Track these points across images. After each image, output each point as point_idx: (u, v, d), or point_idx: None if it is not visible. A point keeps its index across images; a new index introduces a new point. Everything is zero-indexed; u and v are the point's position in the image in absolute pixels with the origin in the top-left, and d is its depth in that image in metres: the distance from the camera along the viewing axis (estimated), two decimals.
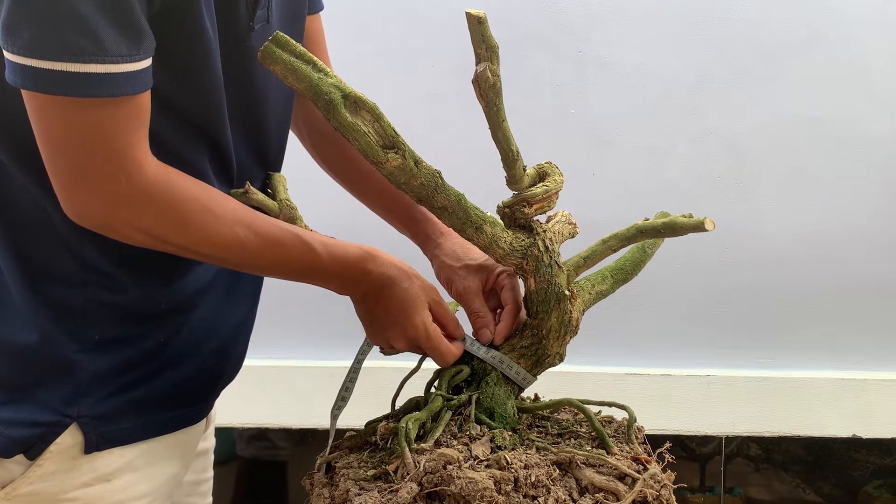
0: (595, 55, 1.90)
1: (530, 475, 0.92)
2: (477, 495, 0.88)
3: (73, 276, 0.99)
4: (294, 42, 0.87)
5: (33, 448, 0.98)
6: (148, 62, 0.87)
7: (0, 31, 0.82)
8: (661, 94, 1.92)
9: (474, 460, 0.93)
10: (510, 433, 1.01)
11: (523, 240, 1.04)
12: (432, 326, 1.04)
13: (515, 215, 1.04)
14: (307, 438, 2.00)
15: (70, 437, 0.99)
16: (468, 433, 0.99)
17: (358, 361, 1.11)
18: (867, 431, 2.00)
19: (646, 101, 1.92)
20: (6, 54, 0.83)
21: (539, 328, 1.05)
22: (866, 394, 2.00)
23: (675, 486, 0.97)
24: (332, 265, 1.01)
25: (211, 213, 0.93)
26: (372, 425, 1.06)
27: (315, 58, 0.89)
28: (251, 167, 1.10)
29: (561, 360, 1.08)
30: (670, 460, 1.01)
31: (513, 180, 1.01)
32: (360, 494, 0.92)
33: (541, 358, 1.07)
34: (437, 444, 0.97)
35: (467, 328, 1.10)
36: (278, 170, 1.16)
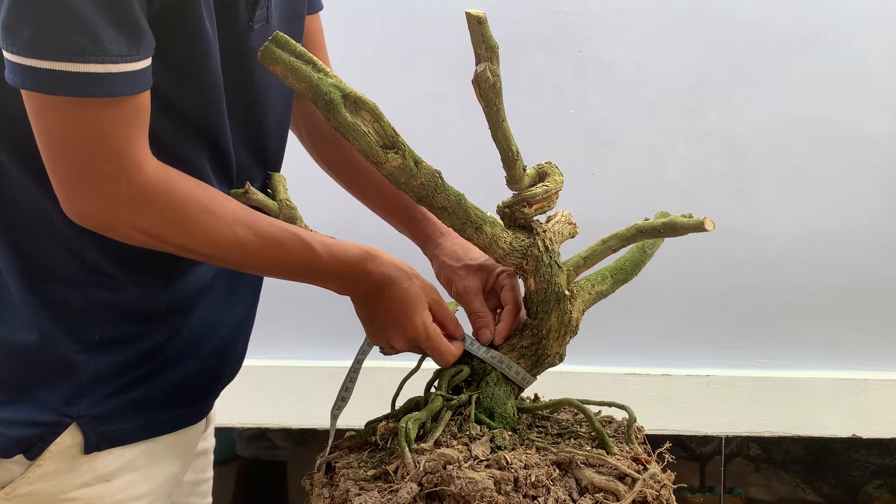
0: (595, 55, 1.90)
1: (530, 475, 0.92)
2: (477, 495, 0.88)
3: (73, 276, 0.99)
4: (294, 42, 0.87)
5: (33, 448, 0.98)
6: (148, 62, 0.87)
7: (0, 31, 0.82)
8: (661, 94, 1.92)
9: (474, 460, 0.93)
10: (510, 433, 1.01)
11: (523, 240, 1.04)
12: (432, 326, 1.04)
13: (515, 215, 1.04)
14: (307, 438, 2.00)
15: (70, 437, 0.99)
16: (468, 433, 0.99)
17: (358, 361, 1.11)
18: (867, 431, 2.00)
19: (646, 101, 1.92)
20: (6, 54, 0.83)
21: (539, 328, 1.05)
22: (866, 394, 2.00)
23: (675, 486, 0.97)
24: (332, 265, 1.01)
25: (211, 213, 0.93)
26: (372, 425, 1.06)
27: (315, 58, 0.89)
28: (251, 167, 1.10)
29: (561, 360, 1.08)
30: (670, 460, 1.01)
31: (513, 180, 1.01)
32: (360, 494, 0.92)
33: (541, 358, 1.07)
34: (437, 444, 0.97)
35: (467, 328, 1.10)
36: (278, 170, 1.16)
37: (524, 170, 1.02)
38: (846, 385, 2.00)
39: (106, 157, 0.87)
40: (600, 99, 1.92)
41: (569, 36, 1.90)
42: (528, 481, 0.91)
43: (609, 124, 1.93)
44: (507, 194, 1.05)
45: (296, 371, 1.96)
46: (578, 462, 0.96)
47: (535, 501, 0.90)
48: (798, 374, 2.00)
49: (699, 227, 0.99)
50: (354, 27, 1.87)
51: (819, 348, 2.02)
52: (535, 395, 1.14)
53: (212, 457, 1.27)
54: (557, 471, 0.94)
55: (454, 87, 1.85)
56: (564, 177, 1.06)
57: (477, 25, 0.88)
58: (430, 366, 1.09)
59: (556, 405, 1.08)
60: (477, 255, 1.13)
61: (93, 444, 1.00)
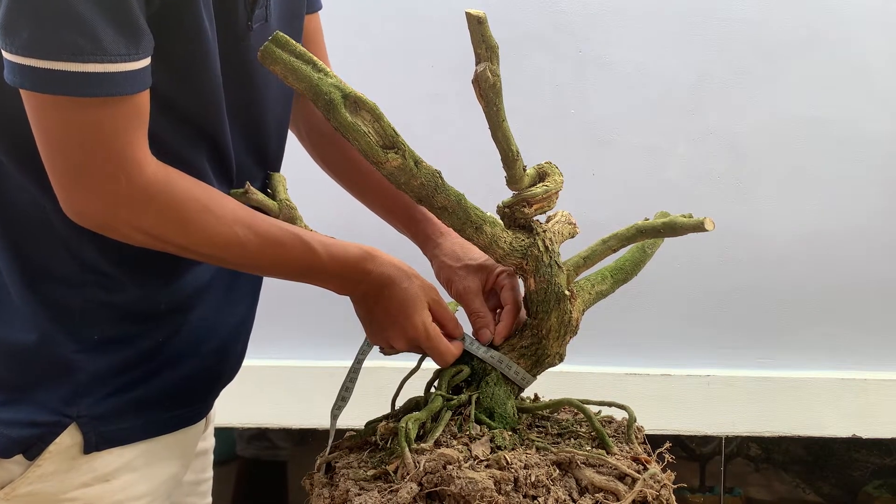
0: (595, 55, 1.90)
1: (530, 475, 0.92)
2: (477, 495, 0.88)
3: (73, 276, 0.99)
4: (294, 42, 0.87)
5: (32, 448, 0.98)
6: (147, 61, 0.87)
7: None
8: (661, 94, 1.92)
9: (474, 460, 0.93)
10: (510, 433, 1.01)
11: (523, 240, 1.04)
12: (432, 326, 1.04)
13: (515, 215, 1.04)
14: (307, 438, 2.00)
15: (69, 438, 0.99)
16: (468, 433, 0.99)
17: (358, 361, 1.11)
18: (867, 431, 2.00)
19: (646, 101, 1.92)
20: (5, 54, 0.83)
21: (539, 328, 1.05)
22: (866, 394, 1.99)
23: (675, 486, 0.97)
24: (332, 265, 1.01)
25: (211, 213, 0.93)
26: (372, 425, 1.06)
27: (315, 58, 0.89)
28: (250, 167, 1.10)
29: (561, 360, 1.08)
30: (670, 460, 1.01)
31: (513, 180, 1.01)
32: (360, 494, 0.92)
33: (541, 358, 1.07)
34: (437, 444, 0.97)
35: (467, 328, 1.10)
36: (277, 169, 1.16)
37: (524, 170, 1.02)
38: (846, 385, 2.00)
39: (105, 157, 0.87)
40: (600, 99, 1.92)
41: (569, 36, 1.90)
42: (528, 481, 0.91)
43: (609, 124, 1.93)
44: (507, 194, 1.05)
45: (296, 371, 1.96)
46: (578, 462, 0.96)
47: (535, 501, 0.90)
48: (798, 374, 2.00)
49: (699, 227, 0.99)
50: (354, 27, 1.87)
51: (819, 348, 2.02)
52: (535, 395, 1.14)
53: (211, 457, 1.27)
54: (557, 471, 0.94)
55: (454, 87, 1.85)
56: (564, 177, 1.06)
57: (477, 25, 0.88)
58: (430, 366, 1.09)
59: (556, 405, 1.08)
60: (477, 255, 1.13)
61: (92, 445, 1.00)
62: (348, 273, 1.03)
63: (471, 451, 0.94)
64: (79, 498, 1.00)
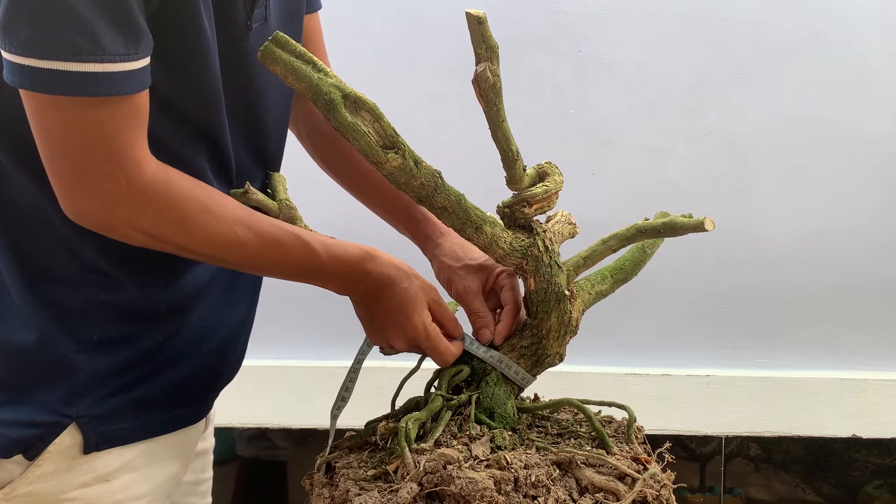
0: (595, 55, 1.90)
1: (530, 475, 0.92)
2: (477, 495, 0.88)
3: (72, 276, 0.99)
4: (294, 42, 0.87)
5: (32, 448, 0.98)
6: (146, 61, 0.87)
7: None
8: (661, 94, 1.92)
9: (474, 460, 0.93)
10: (510, 433, 1.01)
11: (523, 240, 1.04)
12: (432, 326, 1.04)
13: (515, 215, 1.04)
14: (307, 438, 2.00)
15: (69, 438, 0.99)
16: (468, 433, 0.99)
17: (358, 361, 1.11)
18: (867, 431, 2.00)
19: (646, 101, 1.92)
20: (4, 54, 0.83)
21: (539, 328, 1.05)
22: (866, 394, 1.99)
23: (675, 486, 0.97)
24: (332, 265, 1.01)
25: (210, 213, 0.93)
26: (372, 425, 1.06)
27: (315, 58, 0.89)
28: (250, 167, 1.10)
29: (561, 360, 1.08)
30: (670, 460, 1.01)
31: (513, 180, 1.01)
32: (360, 494, 0.92)
33: (540, 358, 1.07)
34: (437, 444, 0.97)
35: (467, 328, 1.10)
36: (277, 169, 1.16)
37: (524, 170, 1.02)
38: (846, 385, 2.00)
39: (105, 157, 0.87)
40: (600, 99, 1.92)
41: (569, 36, 1.90)
42: (529, 481, 0.91)
43: (609, 124, 1.93)
44: (507, 194, 1.05)
45: (296, 371, 1.96)
46: (578, 462, 0.96)
47: (536, 501, 0.90)
48: (798, 374, 2.00)
49: (699, 227, 0.99)
50: (354, 27, 1.87)
51: (819, 348, 2.01)
52: (535, 395, 1.14)
53: (211, 457, 1.27)
54: (557, 471, 0.94)
55: (454, 87, 1.85)
56: (564, 177, 1.06)
57: (477, 25, 0.88)
58: (430, 366, 1.09)
59: (556, 405, 1.08)
60: (477, 255, 1.13)
61: (92, 445, 1.00)
62: (348, 273, 1.03)
63: (471, 451, 0.94)
64: (79, 498, 1.00)
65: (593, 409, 1.06)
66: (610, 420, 1.11)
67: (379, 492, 0.91)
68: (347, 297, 1.07)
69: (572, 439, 1.03)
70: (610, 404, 1.10)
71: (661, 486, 0.94)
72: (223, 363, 1.14)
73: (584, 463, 0.96)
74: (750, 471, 2.05)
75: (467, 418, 1.01)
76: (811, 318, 2.00)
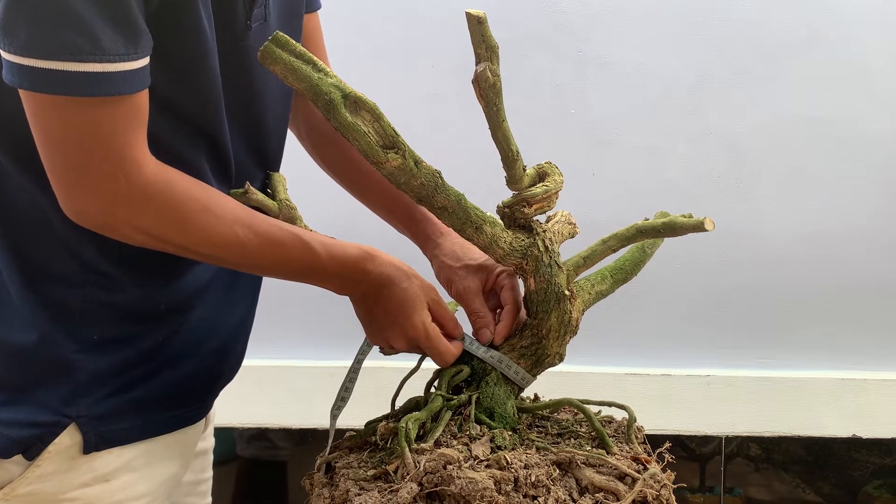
0: (595, 55, 1.90)
1: (530, 475, 0.92)
2: (477, 495, 0.88)
3: (72, 276, 0.99)
4: (294, 42, 0.87)
5: (32, 448, 0.98)
6: (145, 61, 0.87)
7: None
8: (661, 94, 1.92)
9: (474, 460, 0.93)
10: (510, 433, 1.01)
11: (523, 240, 1.04)
12: (431, 326, 1.04)
13: (515, 215, 1.04)
14: (307, 438, 2.00)
15: (69, 438, 0.99)
16: (468, 433, 0.99)
17: (358, 361, 1.11)
18: (867, 431, 2.00)
19: (646, 101, 1.92)
20: (3, 54, 0.83)
21: (539, 328, 1.05)
22: (866, 394, 1.99)
23: (675, 486, 0.97)
24: (332, 265, 1.01)
25: (210, 213, 0.93)
26: (372, 425, 1.06)
27: (315, 58, 0.89)
28: (250, 167, 1.10)
29: (561, 360, 1.08)
30: (670, 460, 1.01)
31: (513, 180, 1.01)
32: (360, 494, 0.92)
33: (540, 358, 1.07)
34: (437, 444, 0.97)
35: (467, 328, 1.10)
36: (277, 169, 1.16)
37: (524, 170, 1.02)
38: (846, 385, 2.00)
39: (104, 157, 0.87)
40: (600, 99, 1.92)
41: (569, 36, 1.90)
42: (529, 481, 0.91)
43: (609, 124, 1.92)
44: (507, 194, 1.05)
45: (296, 371, 1.96)
46: (578, 462, 0.95)
47: (536, 501, 0.90)
48: (798, 374, 2.00)
49: (699, 227, 0.99)
50: (354, 27, 1.87)
51: (819, 348, 2.01)
52: (535, 395, 1.14)
53: (211, 457, 1.27)
54: (557, 471, 0.94)
55: (454, 87, 1.85)
56: (564, 177, 1.06)
57: (477, 25, 0.88)
58: (430, 366, 1.09)
59: (556, 405, 1.08)
60: (477, 255, 1.13)
61: (92, 445, 1.00)
62: (348, 273, 1.03)
63: (471, 451, 0.94)
64: (78, 498, 1.00)
65: (593, 409, 1.06)
66: (610, 420, 1.11)
67: (379, 492, 0.91)
68: (347, 297, 1.07)
69: (572, 439, 1.03)
70: (610, 404, 1.10)
71: (661, 486, 0.94)
72: (223, 363, 1.14)
73: (584, 463, 0.96)
74: (750, 471, 2.05)
75: (467, 418, 1.01)
76: (811, 318, 2.00)
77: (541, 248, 1.04)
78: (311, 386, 1.94)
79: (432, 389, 1.07)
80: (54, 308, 0.98)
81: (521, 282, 1.09)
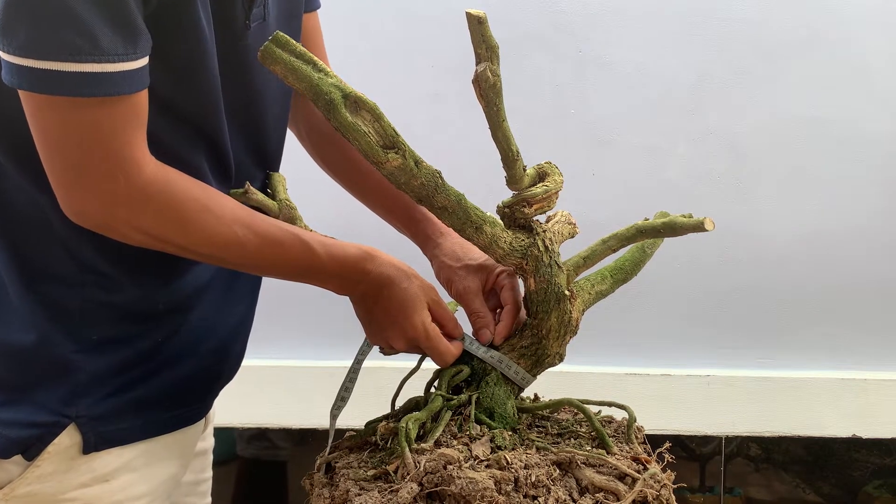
0: (595, 55, 1.90)
1: (530, 475, 0.92)
2: (477, 495, 0.88)
3: (71, 277, 0.99)
4: (294, 42, 0.87)
5: (31, 449, 0.98)
6: (144, 61, 0.87)
7: None
8: (661, 94, 1.92)
9: (474, 460, 0.93)
10: (510, 433, 1.01)
11: (523, 240, 1.04)
12: (431, 326, 1.04)
13: (515, 215, 1.04)
14: (307, 438, 2.00)
15: (68, 438, 0.99)
16: (468, 433, 0.99)
17: (358, 362, 1.10)
18: (867, 431, 2.00)
19: (646, 101, 1.92)
20: (2, 55, 0.83)
21: (539, 328, 1.05)
22: (866, 394, 1.99)
23: (675, 486, 0.97)
24: (331, 265, 1.01)
25: (210, 213, 0.93)
26: (372, 425, 1.06)
27: (315, 57, 0.89)
28: (249, 167, 1.10)
29: (561, 360, 1.08)
30: (670, 460, 1.01)
31: (513, 180, 1.01)
32: (360, 494, 0.92)
33: (540, 358, 1.06)
34: (437, 444, 0.97)
35: (467, 328, 1.10)
36: (276, 169, 1.16)
37: (524, 170, 1.02)
38: (846, 385, 2.00)
39: (104, 157, 0.87)
40: (600, 99, 1.92)
41: (569, 36, 1.90)
42: (529, 481, 0.91)
43: (609, 124, 1.92)
44: (507, 194, 1.05)
45: (296, 371, 1.96)
46: (578, 462, 0.95)
47: (536, 501, 0.90)
48: (798, 374, 2.00)
49: (699, 227, 0.99)
50: (354, 27, 1.87)
51: (819, 348, 2.01)
52: (535, 395, 1.14)
53: (211, 457, 1.27)
54: (558, 471, 0.94)
55: (454, 87, 1.85)
56: (564, 177, 1.06)
57: (477, 25, 0.88)
58: (430, 366, 1.09)
59: (556, 405, 1.08)
60: (477, 255, 1.13)
61: (91, 445, 1.00)
62: (347, 273, 1.03)
63: (471, 451, 0.94)
64: (78, 498, 1.00)
65: (593, 409, 1.06)
66: (610, 420, 1.11)
67: (379, 492, 0.91)
68: (347, 297, 1.07)
69: (572, 439, 1.03)
70: (610, 404, 1.10)
71: (661, 486, 0.94)
72: (222, 363, 1.14)
73: (584, 463, 0.96)
74: (750, 471, 2.05)
75: (467, 418, 1.01)
76: (811, 318, 2.00)
77: (541, 248, 1.04)
78: (311, 386, 1.94)
79: (432, 389, 1.07)
80: (53, 308, 0.98)
81: (521, 282, 1.09)
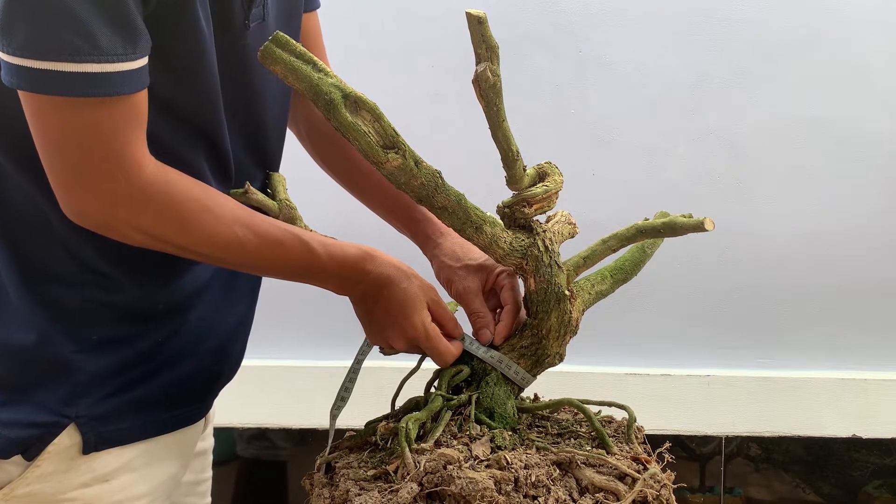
0: (595, 55, 1.90)
1: (530, 475, 0.92)
2: (477, 495, 0.88)
3: (71, 277, 0.99)
4: (294, 42, 0.87)
5: (31, 449, 0.98)
6: (144, 61, 0.87)
7: None
8: (661, 94, 1.92)
9: (474, 460, 0.93)
10: (510, 433, 1.01)
11: (523, 240, 1.04)
12: (431, 326, 1.04)
13: (515, 215, 1.04)
14: (307, 438, 2.00)
15: (68, 438, 0.99)
16: (468, 433, 0.99)
17: (358, 361, 1.10)
18: (867, 431, 2.00)
19: (646, 101, 1.92)
20: (2, 55, 0.83)
21: (539, 328, 1.05)
22: (866, 394, 1.99)
23: (675, 486, 0.97)
24: (331, 265, 1.01)
25: (210, 213, 0.93)
26: (372, 425, 1.06)
27: (315, 57, 0.89)
28: (249, 167, 1.10)
29: (561, 360, 1.08)
30: (670, 460, 1.01)
31: (513, 180, 1.01)
32: (360, 494, 0.92)
33: (540, 358, 1.06)
34: (437, 444, 0.97)
35: (467, 328, 1.10)
36: (276, 169, 1.16)
37: (524, 170, 1.02)
38: (846, 385, 2.00)
39: (103, 157, 0.87)
40: (600, 99, 1.92)
41: (569, 36, 1.90)
42: (529, 481, 0.91)
43: (609, 124, 1.92)
44: (507, 194, 1.05)
45: (296, 371, 1.96)
46: (578, 462, 0.95)
47: (536, 501, 0.90)
48: (798, 374, 2.00)
49: (699, 227, 0.99)
50: (354, 27, 1.87)
51: (819, 348, 2.01)
52: (535, 395, 1.14)
53: (211, 457, 1.27)
54: (558, 471, 0.94)
55: (454, 87, 1.85)
56: (564, 177, 1.06)
57: (477, 25, 0.88)
58: (430, 366, 1.09)
59: (556, 405, 1.08)
60: (477, 255, 1.13)
61: (91, 445, 1.00)
62: (347, 273, 1.03)
63: (471, 451, 0.94)
64: (78, 498, 1.00)
65: (593, 409, 1.06)
66: (610, 420, 1.11)
67: (379, 492, 0.91)
68: (347, 297, 1.07)
69: (572, 439, 1.03)
70: (610, 404, 1.10)
71: (661, 486, 0.94)
72: (222, 363, 1.14)
73: (584, 463, 0.96)
74: (750, 471, 2.05)
75: (467, 418, 1.01)
76: (811, 318, 2.00)
77: (541, 248, 1.04)
78: (311, 386, 1.94)
79: (432, 389, 1.07)
80: (53, 308, 0.98)
81: (521, 282, 1.09)
